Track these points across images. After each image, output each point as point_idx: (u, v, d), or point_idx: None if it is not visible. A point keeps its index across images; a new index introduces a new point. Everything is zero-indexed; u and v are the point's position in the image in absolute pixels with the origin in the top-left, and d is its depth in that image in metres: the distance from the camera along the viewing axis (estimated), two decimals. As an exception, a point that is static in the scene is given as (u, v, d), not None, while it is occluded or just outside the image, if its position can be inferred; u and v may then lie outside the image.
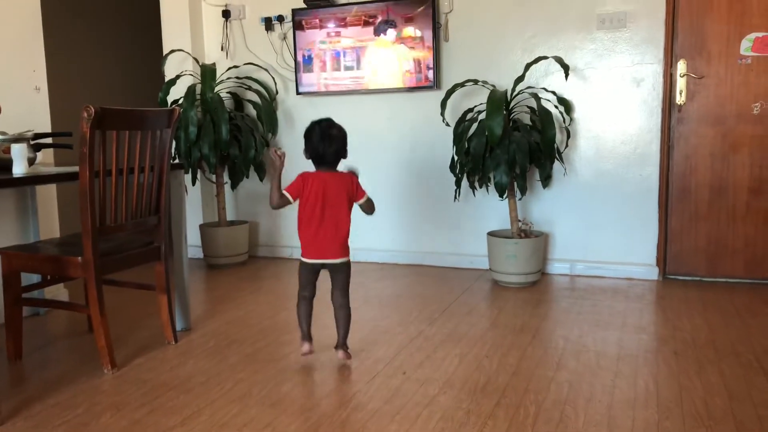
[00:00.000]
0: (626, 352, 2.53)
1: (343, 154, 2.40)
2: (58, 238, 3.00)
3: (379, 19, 3.92)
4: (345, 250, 2.40)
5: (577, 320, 2.95)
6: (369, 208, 2.45)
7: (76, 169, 2.35)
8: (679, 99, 3.53)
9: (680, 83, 3.51)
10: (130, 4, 5.59)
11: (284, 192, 2.35)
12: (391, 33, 3.91)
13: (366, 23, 3.96)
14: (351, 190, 2.39)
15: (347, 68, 4.05)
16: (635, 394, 2.14)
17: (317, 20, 4.07)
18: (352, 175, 2.42)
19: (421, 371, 2.39)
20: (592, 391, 2.19)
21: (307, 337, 2.47)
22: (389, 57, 3.95)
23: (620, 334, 2.75)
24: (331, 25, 4.04)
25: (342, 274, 2.41)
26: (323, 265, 2.39)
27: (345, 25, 4.01)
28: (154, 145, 2.60)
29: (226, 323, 3.03)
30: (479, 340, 2.71)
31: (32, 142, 2.64)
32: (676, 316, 2.98)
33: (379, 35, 3.93)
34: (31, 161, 2.60)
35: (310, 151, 2.37)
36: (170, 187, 2.83)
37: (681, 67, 3.50)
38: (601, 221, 3.73)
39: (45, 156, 3.21)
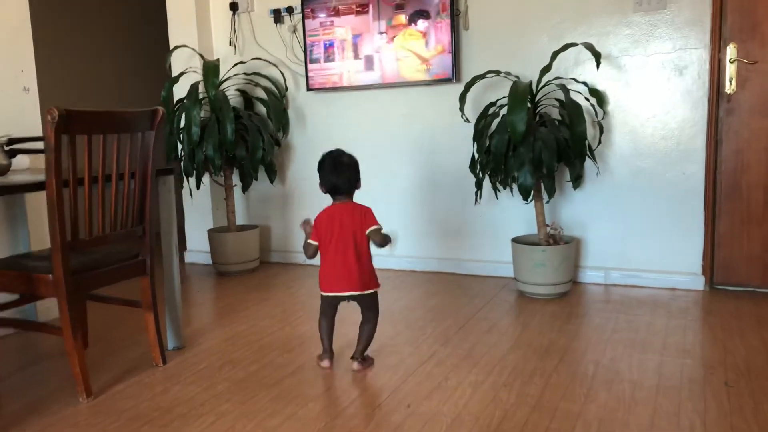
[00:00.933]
0: (667, 382, 2.19)
1: (355, 181, 2.41)
2: (45, 250, 2.81)
3: (398, 5, 3.62)
4: (368, 282, 2.37)
5: (611, 340, 2.61)
6: (380, 239, 2.37)
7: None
8: (729, 87, 3.13)
9: (730, 70, 3.12)
10: (136, 6, 5.38)
11: (308, 241, 2.41)
12: (404, 22, 3.61)
13: (371, 11, 3.66)
14: (361, 220, 2.35)
15: (359, 62, 3.76)
16: (678, 439, 1.82)
17: (327, 10, 3.79)
18: (368, 209, 2.40)
19: (428, 404, 2.10)
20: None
21: (329, 353, 2.45)
22: (405, 48, 3.64)
23: (660, 357, 2.41)
24: (340, 15, 3.75)
25: (368, 304, 2.41)
26: (343, 298, 2.37)
27: (355, 15, 3.72)
28: (135, 149, 2.37)
29: (225, 340, 2.80)
30: (498, 364, 2.40)
31: (6, 148, 2.44)
32: (726, 335, 2.62)
33: (409, 25, 3.63)
34: (4, 169, 2.39)
35: (325, 184, 2.40)
36: (157, 194, 2.61)
37: (731, 51, 3.11)
38: (640, 225, 3.36)
39: (38, 161, 3.01)
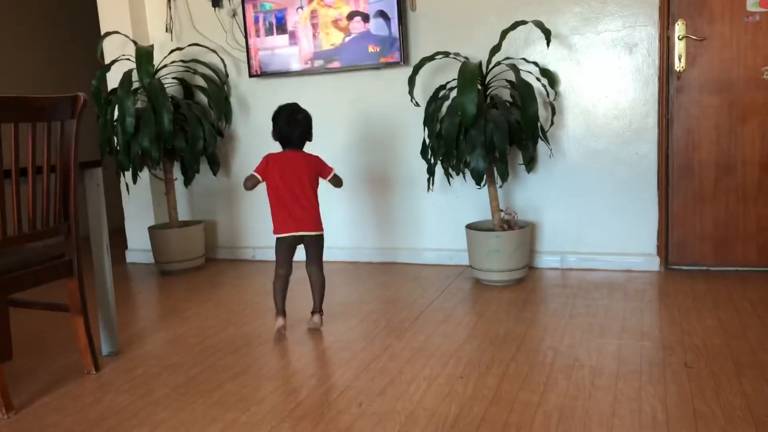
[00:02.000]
0: (627, 367, 2.12)
1: (308, 136, 2.59)
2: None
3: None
4: (318, 224, 2.56)
5: (568, 325, 2.54)
6: (337, 182, 2.65)
7: (-56, 172, 1.92)
8: (678, 65, 3.09)
9: (679, 47, 3.08)
10: None
11: (252, 173, 2.50)
12: (350, 4, 3.45)
13: (322, -6, 3.50)
14: (317, 167, 2.57)
15: (304, 45, 3.60)
16: (640, 425, 1.73)
17: (268, -7, 3.61)
18: (318, 156, 2.60)
19: (381, 401, 1.97)
20: (586, 420, 1.78)
21: (282, 312, 2.56)
22: (350, 31, 3.49)
23: (619, 341, 2.34)
24: (284, -3, 3.58)
25: (316, 246, 2.57)
26: (299, 239, 2.53)
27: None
28: (54, 140, 2.16)
29: (164, 343, 2.61)
30: (453, 355, 2.30)
31: None
32: (683, 316, 2.57)
33: (336, 6, 3.47)
34: None
35: (277, 134, 2.56)
36: (84, 188, 2.41)
37: (679, 28, 3.06)
38: (594, 207, 3.30)
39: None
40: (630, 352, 2.23)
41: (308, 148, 2.62)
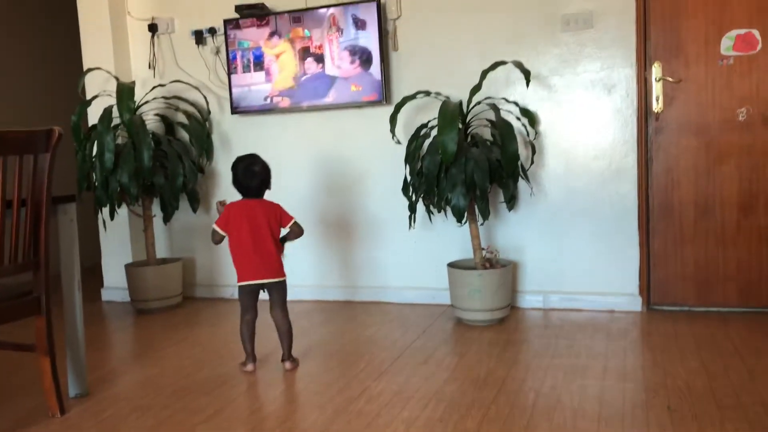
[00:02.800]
0: (610, 410, 2.07)
1: (267, 185, 2.62)
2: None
3: (321, 28, 3.50)
4: (280, 271, 2.57)
5: (551, 366, 2.49)
6: (297, 231, 2.63)
7: None
8: (656, 106, 3.13)
9: (656, 88, 3.12)
10: (46, 17, 4.96)
11: (214, 227, 2.55)
12: (333, 43, 3.48)
13: (302, 35, 3.53)
14: (277, 215, 2.58)
15: (285, 84, 3.61)
16: (623, 471, 1.68)
17: (251, 31, 3.63)
18: (278, 204, 2.61)
19: (357, 446, 1.90)
20: (568, 466, 1.72)
21: (252, 357, 2.58)
22: (332, 70, 3.51)
23: (602, 383, 2.30)
24: (266, 36, 3.60)
25: (280, 291, 2.57)
26: (260, 286, 2.55)
27: (280, 36, 3.58)
28: (26, 174, 2.12)
29: (135, 384, 2.53)
30: (433, 397, 2.24)
31: None
32: (666, 357, 2.54)
33: (319, 44, 3.50)
34: None
35: (237, 184, 2.62)
36: (57, 223, 2.35)
37: (656, 70, 3.12)
38: (576, 246, 3.29)
39: None
40: (613, 395, 2.19)
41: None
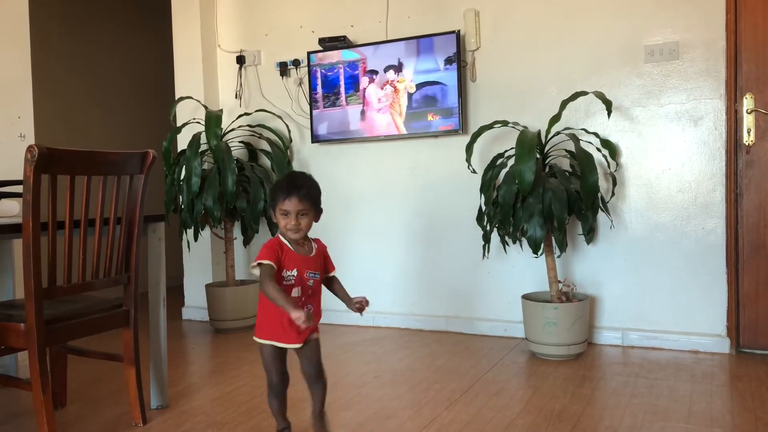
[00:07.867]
0: (694, 454, 1.96)
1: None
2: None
3: (400, 60, 3.57)
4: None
5: (629, 405, 2.39)
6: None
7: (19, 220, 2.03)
8: (747, 139, 3.00)
9: (747, 120, 3.00)
10: (138, 51, 5.34)
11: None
12: (410, 74, 3.55)
13: (386, 66, 3.62)
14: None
15: (365, 114, 3.70)
16: None
17: (334, 63, 3.76)
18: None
19: (426, 474, 1.88)
20: None
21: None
22: (409, 100, 3.57)
23: (686, 426, 2.18)
24: (349, 67, 3.72)
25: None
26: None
27: (364, 68, 3.68)
28: (122, 193, 2.26)
29: (212, 400, 2.60)
30: (504, 430, 2.19)
31: (-9, 191, 2.35)
32: (758, 404, 2.38)
33: (397, 76, 3.58)
34: (-14, 212, 2.29)
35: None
36: (147, 241, 2.49)
37: (748, 102, 2.99)
38: (658, 283, 3.17)
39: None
40: (698, 439, 2.07)
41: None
